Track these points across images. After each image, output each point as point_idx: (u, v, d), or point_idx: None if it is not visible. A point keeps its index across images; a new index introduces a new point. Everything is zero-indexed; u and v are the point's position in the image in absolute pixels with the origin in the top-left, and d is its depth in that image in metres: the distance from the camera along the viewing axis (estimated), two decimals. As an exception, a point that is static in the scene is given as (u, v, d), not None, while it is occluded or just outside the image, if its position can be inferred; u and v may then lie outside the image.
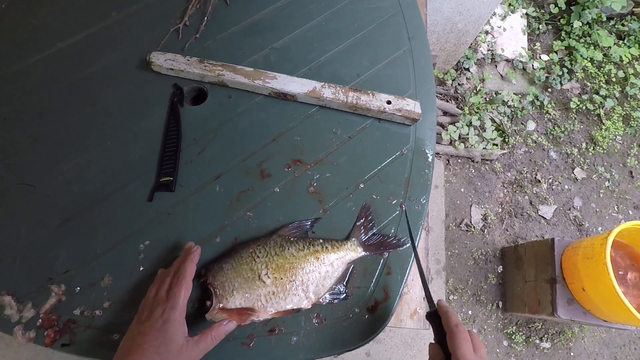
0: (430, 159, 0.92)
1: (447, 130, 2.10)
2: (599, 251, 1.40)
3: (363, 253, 0.77)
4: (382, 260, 0.81)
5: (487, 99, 2.23)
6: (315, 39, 1.02)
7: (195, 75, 0.92)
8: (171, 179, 0.82)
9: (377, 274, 0.81)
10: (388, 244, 0.80)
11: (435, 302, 0.67)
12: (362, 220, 0.81)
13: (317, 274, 0.72)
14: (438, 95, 2.24)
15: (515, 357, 1.89)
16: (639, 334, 1.96)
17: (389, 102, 0.92)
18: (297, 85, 0.92)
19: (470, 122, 2.12)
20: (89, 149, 0.85)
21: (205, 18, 1.00)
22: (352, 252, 0.77)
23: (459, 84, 2.28)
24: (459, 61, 2.27)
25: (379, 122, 0.94)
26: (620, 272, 1.59)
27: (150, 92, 0.92)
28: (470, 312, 1.93)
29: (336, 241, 0.77)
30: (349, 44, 1.02)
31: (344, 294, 0.74)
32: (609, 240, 1.38)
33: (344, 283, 0.75)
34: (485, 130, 2.14)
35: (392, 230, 0.83)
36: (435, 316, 0.64)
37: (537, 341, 1.91)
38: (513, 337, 1.89)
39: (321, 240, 0.76)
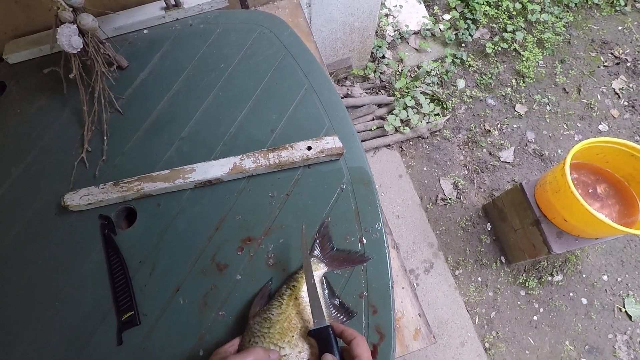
0: (370, 182, 0.92)
1: (387, 120, 2.13)
2: (563, 182, 1.44)
3: (326, 269, 0.79)
4: (363, 302, 0.81)
5: (412, 77, 2.28)
6: (218, 113, 1.01)
7: (117, 198, 0.89)
8: (132, 312, 0.80)
9: (364, 317, 0.80)
10: (352, 259, 0.82)
11: (325, 319, 0.68)
12: (319, 240, 0.83)
13: (309, 308, 0.73)
14: (366, 90, 2.28)
15: (536, 301, 1.92)
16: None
17: (309, 148, 0.92)
18: (217, 168, 0.91)
19: (406, 105, 2.16)
20: (40, 319, 0.81)
21: (105, 137, 0.98)
22: (315, 271, 0.77)
23: (381, 73, 2.32)
24: (372, 53, 2.31)
25: (309, 168, 0.93)
26: (590, 191, 1.64)
27: (79, 234, 0.89)
28: (479, 278, 1.96)
29: (296, 273, 0.78)
30: (252, 104, 1.02)
31: (346, 308, 0.77)
32: (566, 170, 1.43)
33: (336, 296, 0.78)
34: (422, 106, 2.18)
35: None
36: (323, 331, 0.66)
37: (550, 277, 1.95)
38: (527, 284, 1.93)
39: (285, 286, 0.76)
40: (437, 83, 2.33)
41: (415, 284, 1.94)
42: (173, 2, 1.14)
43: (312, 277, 0.72)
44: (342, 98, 2.21)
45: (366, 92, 2.27)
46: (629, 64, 2.41)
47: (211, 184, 0.92)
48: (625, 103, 2.31)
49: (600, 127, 2.26)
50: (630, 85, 2.35)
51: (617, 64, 2.41)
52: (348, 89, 2.21)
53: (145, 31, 1.17)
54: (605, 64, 2.41)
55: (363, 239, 0.87)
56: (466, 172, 2.18)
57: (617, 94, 2.33)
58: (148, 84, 1.08)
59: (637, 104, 2.31)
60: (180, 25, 1.17)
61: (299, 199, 0.90)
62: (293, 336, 0.68)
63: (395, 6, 2.50)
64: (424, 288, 1.94)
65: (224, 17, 1.17)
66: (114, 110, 1.02)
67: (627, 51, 2.44)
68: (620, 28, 2.52)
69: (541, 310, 1.91)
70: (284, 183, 0.92)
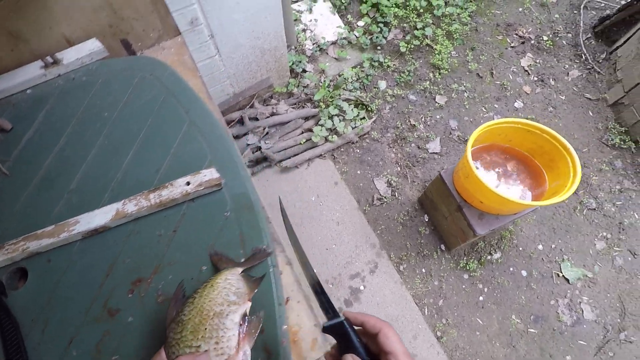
0: (253, 205, 0.97)
1: (314, 132, 2.19)
2: (469, 167, 1.53)
3: (242, 268, 0.81)
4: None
5: (333, 86, 2.36)
6: (105, 161, 1.03)
7: (4, 261, 0.90)
8: (25, 376, 0.80)
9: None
10: (260, 255, 0.87)
11: (338, 313, 0.63)
12: (218, 259, 0.87)
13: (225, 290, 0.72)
14: (293, 105, 2.34)
15: (480, 281, 2.01)
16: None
17: (188, 183, 0.95)
18: (100, 217, 0.93)
19: (330, 114, 2.24)
20: None
21: (-12, 205, 0.98)
22: (232, 270, 0.79)
23: (304, 87, 2.39)
24: (292, 69, 2.38)
25: (193, 202, 0.97)
26: (499, 170, 1.74)
27: (-34, 306, 0.89)
28: (423, 269, 2.03)
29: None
30: (137, 147, 1.05)
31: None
32: (467, 155, 1.51)
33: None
34: (346, 113, 2.26)
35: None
36: (338, 327, 0.61)
37: (489, 257, 2.04)
38: (468, 267, 2.01)
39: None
40: (360, 88, 2.42)
41: (362, 287, 2.00)
42: (51, 60, 1.17)
43: (313, 272, 0.71)
44: (267, 117, 2.26)
45: (292, 108, 2.33)
46: (532, 42, 2.57)
47: (98, 233, 0.94)
48: (535, 78, 2.46)
49: (515, 104, 2.39)
50: (537, 61, 2.51)
51: (523, 43, 2.56)
52: (273, 108, 2.27)
53: (28, 91, 1.18)
54: (512, 45, 2.56)
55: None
56: (399, 168, 2.26)
57: (526, 71, 2.48)
58: (34, 142, 1.09)
59: (546, 77, 2.46)
60: (63, 81, 1.19)
61: (186, 234, 0.93)
62: (206, 328, 0.65)
63: (311, 20, 2.59)
64: (371, 289, 1.99)
65: (106, 67, 1.20)
66: (-1, 174, 1.03)
67: (530, 30, 2.60)
68: (520, 9, 2.69)
69: (485, 289, 1.99)
70: (170, 220, 0.95)
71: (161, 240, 0.95)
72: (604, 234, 2.08)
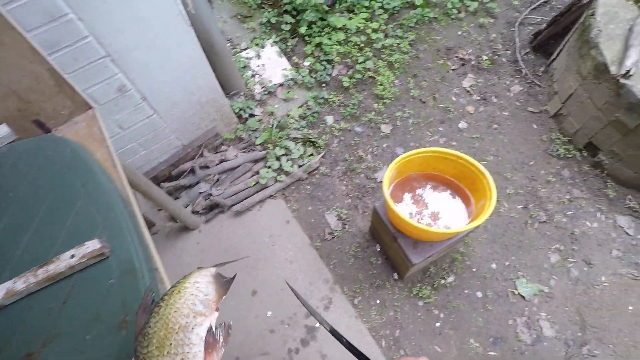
0: (136, 271, 1.01)
1: (260, 175, 2.26)
2: (387, 202, 1.56)
3: (215, 268, 0.80)
4: None
5: (279, 128, 2.44)
6: (8, 240, 1.10)
7: None
8: None
9: None
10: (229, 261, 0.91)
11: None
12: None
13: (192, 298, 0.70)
14: (243, 150, 2.42)
15: (435, 307, 1.99)
16: (509, 217, 2.15)
17: (72, 256, 1.01)
18: (-8, 297, 0.99)
19: (276, 155, 2.31)
20: None
21: None
22: (203, 271, 0.78)
23: (253, 130, 2.48)
24: (239, 115, 2.48)
25: (81, 272, 1.03)
26: (419, 194, 1.77)
27: None
28: (377, 300, 2.02)
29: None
30: (37, 224, 1.12)
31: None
32: (384, 189, 1.55)
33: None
34: (292, 152, 2.33)
35: None
36: None
37: (442, 281, 2.03)
38: (422, 294, 2.00)
39: (170, 288, 0.74)
40: (307, 125, 2.50)
41: (317, 324, 1.99)
42: (-38, 148, 1.27)
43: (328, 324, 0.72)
44: (217, 164, 2.34)
45: (242, 152, 2.41)
46: (473, 62, 2.63)
47: (-7, 313, 0.99)
48: (478, 98, 2.51)
49: (460, 125, 2.43)
50: (479, 81, 2.56)
51: (463, 64, 2.63)
52: (222, 155, 2.35)
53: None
54: (453, 67, 2.63)
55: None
56: (349, 200, 2.30)
57: (468, 91, 2.53)
58: (-53, 227, 1.17)
59: (488, 95, 2.50)
60: (-25, 166, 1.28)
61: (75, 304, 0.98)
62: (171, 344, 0.62)
63: (259, 66, 2.71)
64: (328, 324, 1.99)
65: (13, 150, 1.29)
66: None
67: (470, 51, 2.67)
68: (460, 33, 2.77)
69: (441, 315, 1.97)
70: (59, 293, 1.00)
71: (51, 313, 1.00)
72: (557, 246, 2.06)
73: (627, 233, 2.05)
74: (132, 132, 2.02)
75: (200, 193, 2.31)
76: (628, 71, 1.82)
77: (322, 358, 1.94)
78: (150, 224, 2.30)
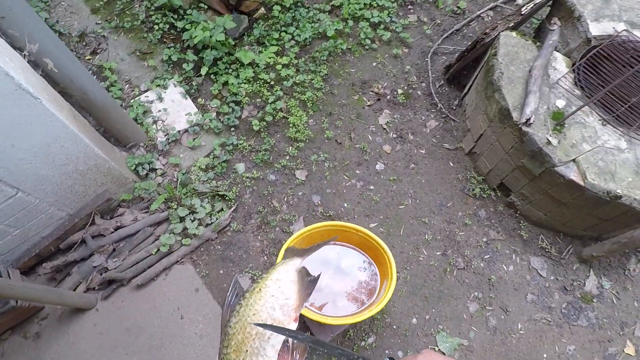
0: None
1: (161, 241, 2.04)
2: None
3: (301, 260, 0.79)
4: None
5: (181, 185, 2.21)
6: None
7: None
8: None
9: None
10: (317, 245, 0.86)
11: None
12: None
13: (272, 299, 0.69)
14: (144, 211, 2.18)
15: None
16: (428, 265, 2.08)
17: None
18: None
19: (179, 217, 2.09)
20: None
21: None
22: (288, 265, 0.75)
23: (158, 185, 2.24)
24: (136, 171, 2.23)
25: None
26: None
27: None
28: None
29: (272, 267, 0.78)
30: None
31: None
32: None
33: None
34: (197, 211, 2.13)
35: None
36: None
37: (362, 343, 1.92)
38: None
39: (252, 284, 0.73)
40: (217, 176, 2.30)
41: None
42: None
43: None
44: (112, 232, 2.09)
45: (144, 213, 2.17)
46: (388, 97, 2.53)
47: None
48: (394, 135, 2.42)
49: (377, 166, 2.33)
50: (395, 117, 2.47)
51: (379, 99, 2.53)
52: (117, 221, 2.10)
53: None
54: (369, 103, 2.52)
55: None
56: (265, 257, 2.13)
57: (385, 129, 2.44)
58: None
59: (404, 132, 2.42)
60: None
61: None
62: (247, 350, 0.61)
63: (161, 110, 2.46)
64: None
65: None
66: None
67: (385, 84, 2.57)
68: (374, 64, 2.66)
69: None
70: None
71: None
72: (476, 293, 2.02)
73: (540, 274, 2.04)
74: (-6, 215, 1.73)
75: (95, 267, 2.05)
76: (528, 119, 1.78)
77: None
78: (36, 310, 2.02)
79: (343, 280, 1.66)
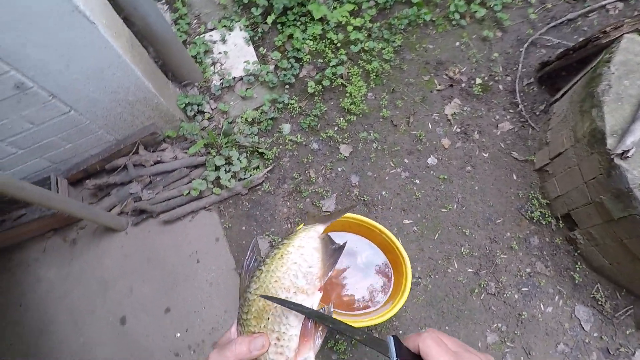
0: None
1: (193, 185, 2.05)
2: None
3: (323, 226, 0.73)
4: None
5: (223, 134, 2.17)
6: None
7: None
8: None
9: None
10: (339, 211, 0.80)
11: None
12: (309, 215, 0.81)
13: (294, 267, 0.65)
14: (185, 151, 2.20)
15: (350, 364, 1.83)
16: (455, 280, 1.89)
17: None
18: None
19: (215, 165, 2.08)
20: None
21: None
22: (310, 231, 0.71)
23: (202, 129, 2.24)
24: (184, 110, 2.23)
25: None
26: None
27: None
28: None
29: (293, 234, 0.72)
30: None
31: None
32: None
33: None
34: (233, 163, 2.09)
35: None
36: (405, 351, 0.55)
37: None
38: (337, 348, 1.83)
39: (272, 249, 0.69)
40: (260, 132, 2.23)
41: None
42: None
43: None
44: (152, 165, 2.14)
45: (184, 152, 2.19)
46: (463, 84, 2.22)
47: None
48: (458, 130, 2.14)
49: (429, 160, 2.10)
50: (465, 109, 2.17)
51: (451, 85, 2.23)
52: (158, 155, 2.14)
53: None
54: (439, 87, 2.23)
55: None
56: (289, 225, 2.08)
57: (449, 120, 2.16)
58: None
59: (470, 129, 2.13)
60: None
61: None
62: (269, 318, 0.59)
63: (221, 53, 2.40)
64: (233, 361, 1.88)
65: None
66: None
67: (464, 69, 2.25)
68: (457, 44, 2.32)
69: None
70: None
71: None
72: (499, 325, 1.81)
73: (582, 327, 1.77)
74: (48, 127, 1.83)
75: (131, 194, 2.15)
76: (626, 151, 1.44)
77: (220, 394, 1.85)
78: (76, 219, 2.19)
79: (355, 276, 1.56)
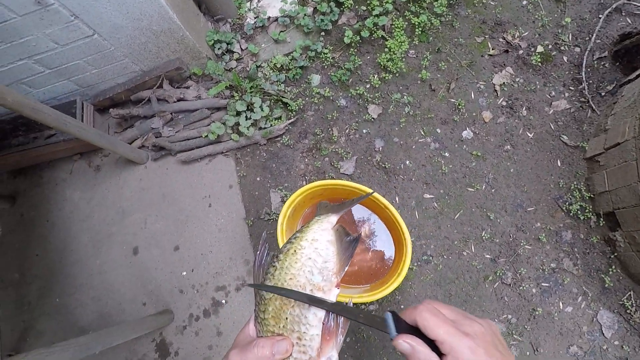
0: None
1: (211, 128, 1.99)
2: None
3: (335, 215, 0.69)
4: None
5: (248, 79, 2.05)
6: None
7: None
8: None
9: None
10: (352, 201, 0.75)
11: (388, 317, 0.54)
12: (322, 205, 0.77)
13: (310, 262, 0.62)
14: (207, 92, 2.12)
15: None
16: (469, 264, 1.77)
17: None
18: None
19: (236, 110, 2.00)
20: None
21: None
22: (323, 223, 0.68)
23: (228, 70, 2.14)
24: (213, 47, 2.12)
25: None
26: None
27: None
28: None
29: (305, 226, 0.68)
30: None
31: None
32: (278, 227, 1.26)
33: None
34: (255, 110, 2.00)
35: None
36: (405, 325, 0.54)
37: (362, 306, 1.81)
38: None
39: (286, 244, 0.65)
40: (287, 81, 2.10)
41: (224, 301, 1.93)
42: None
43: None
44: (175, 102, 2.09)
45: (215, 98, 2.11)
46: (521, 51, 1.94)
47: None
48: (504, 103, 1.90)
49: (464, 133, 1.90)
50: (517, 80, 1.91)
51: (507, 51, 1.95)
52: (182, 93, 2.08)
53: None
54: (491, 52, 1.97)
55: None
56: (304, 182, 2.01)
57: (496, 90, 1.92)
58: None
59: (519, 104, 1.89)
60: None
61: None
62: (287, 318, 0.56)
63: (260, -13, 2.23)
64: (232, 306, 1.91)
65: None
66: None
67: (525, 34, 1.95)
68: (524, 2, 2.00)
69: (347, 340, 1.80)
70: None
71: None
72: (509, 316, 1.70)
73: (602, 333, 1.63)
74: (73, 49, 1.80)
75: (153, 128, 2.13)
76: (700, 150, 1.21)
77: (218, 334, 1.92)
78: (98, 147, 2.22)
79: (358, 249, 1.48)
